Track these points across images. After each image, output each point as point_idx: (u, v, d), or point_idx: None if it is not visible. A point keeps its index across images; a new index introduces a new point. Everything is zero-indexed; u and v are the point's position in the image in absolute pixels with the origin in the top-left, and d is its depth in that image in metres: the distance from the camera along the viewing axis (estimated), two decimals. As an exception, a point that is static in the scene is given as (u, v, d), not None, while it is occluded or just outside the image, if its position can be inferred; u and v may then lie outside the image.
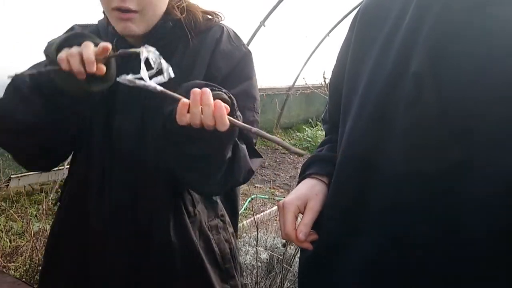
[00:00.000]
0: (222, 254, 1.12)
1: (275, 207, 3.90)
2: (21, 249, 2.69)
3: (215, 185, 0.95)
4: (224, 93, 0.82)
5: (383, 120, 0.74)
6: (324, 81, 3.09)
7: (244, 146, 0.96)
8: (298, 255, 2.56)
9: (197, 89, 0.75)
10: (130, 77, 0.74)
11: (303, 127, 7.82)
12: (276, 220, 3.73)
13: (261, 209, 4.04)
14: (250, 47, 4.85)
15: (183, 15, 1.02)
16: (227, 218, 1.18)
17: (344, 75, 0.87)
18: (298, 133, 7.59)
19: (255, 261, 2.43)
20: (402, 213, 0.72)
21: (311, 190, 0.88)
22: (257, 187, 4.91)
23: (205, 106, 0.74)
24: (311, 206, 0.86)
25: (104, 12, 1.03)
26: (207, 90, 0.75)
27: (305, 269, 0.92)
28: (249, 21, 5.31)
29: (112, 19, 0.97)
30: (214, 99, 0.75)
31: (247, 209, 4.11)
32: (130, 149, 0.99)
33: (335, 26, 6.72)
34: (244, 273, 2.51)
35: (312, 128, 7.77)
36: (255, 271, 2.48)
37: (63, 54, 0.82)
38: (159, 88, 0.74)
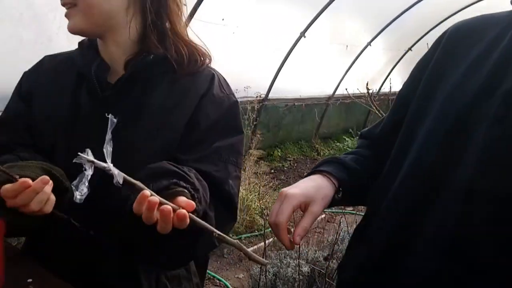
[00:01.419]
0: None
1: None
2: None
3: (167, 261, 0.91)
4: (190, 188, 0.79)
5: (460, 135, 0.74)
6: (368, 92, 3.05)
7: (212, 215, 0.88)
8: (341, 269, 2.53)
9: (153, 198, 0.71)
10: (91, 157, 0.73)
11: (343, 137, 7.72)
12: (317, 232, 3.70)
13: (301, 220, 4.00)
14: (290, 58, 4.85)
15: (170, 49, 0.98)
16: (192, 267, 1.09)
17: (415, 92, 0.87)
18: (337, 143, 7.50)
19: (296, 274, 2.42)
20: (466, 231, 0.70)
21: (318, 191, 0.87)
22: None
23: (161, 220, 0.71)
24: (313, 210, 0.84)
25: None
26: (166, 212, 0.71)
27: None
28: (289, 32, 5.34)
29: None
30: (175, 195, 0.74)
31: (287, 220, 4.09)
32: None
33: (376, 36, 6.63)
34: (285, 286, 2.50)
35: (352, 139, 7.65)
36: (296, 284, 2.47)
37: None
38: (120, 174, 0.73)
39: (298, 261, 2.43)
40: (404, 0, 6.09)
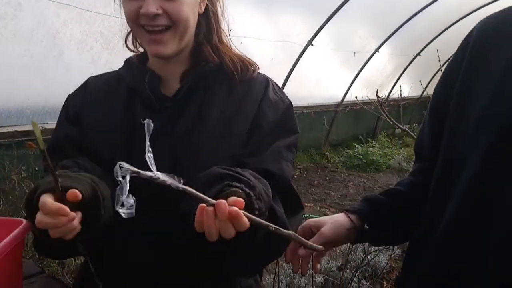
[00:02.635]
0: None
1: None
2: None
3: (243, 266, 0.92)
4: (244, 187, 0.78)
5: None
6: (378, 98, 3.04)
7: (281, 211, 0.89)
8: (355, 279, 2.50)
9: (208, 210, 0.71)
10: (132, 168, 0.71)
11: (353, 143, 7.69)
12: (329, 241, 3.67)
13: (313, 229, 3.97)
14: (298, 66, 4.87)
15: (224, 59, 1.01)
16: (258, 278, 1.12)
17: (451, 97, 0.85)
18: (348, 150, 7.46)
19: (310, 285, 2.40)
20: None
21: (331, 217, 0.95)
22: (307, 206, 4.86)
23: (221, 222, 0.71)
24: (323, 231, 0.93)
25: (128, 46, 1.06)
26: (221, 205, 0.70)
27: None
28: (297, 41, 5.36)
29: (142, 39, 0.96)
30: (228, 197, 0.73)
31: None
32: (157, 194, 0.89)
33: (384, 42, 6.62)
34: (299, 296, 2.48)
35: (362, 145, 7.61)
36: (310, 294, 2.45)
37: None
38: (170, 181, 0.72)
39: (312, 272, 2.40)
40: (411, 5, 6.08)
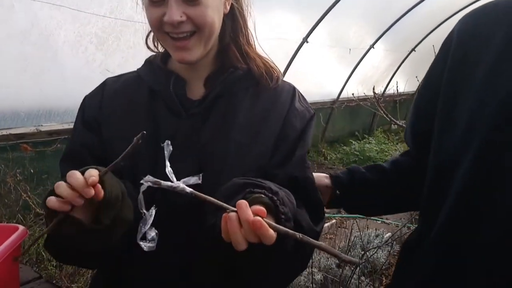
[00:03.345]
0: None
1: (327, 224, 3.84)
2: (83, 269, 2.81)
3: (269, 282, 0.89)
4: (266, 192, 0.76)
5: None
6: (374, 94, 3.04)
7: (307, 218, 0.88)
8: (354, 276, 2.50)
9: (231, 215, 0.69)
10: (153, 179, 0.71)
11: (350, 140, 7.69)
12: (328, 238, 3.67)
13: (311, 226, 3.97)
14: (294, 64, 4.87)
15: (251, 64, 0.99)
16: None
17: (436, 97, 0.85)
18: (344, 147, 7.47)
19: (309, 283, 2.40)
20: None
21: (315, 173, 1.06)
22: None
23: (244, 224, 0.68)
24: None
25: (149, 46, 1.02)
26: (242, 205, 0.68)
27: None
28: (292, 38, 5.35)
29: (167, 45, 0.93)
30: (252, 203, 0.70)
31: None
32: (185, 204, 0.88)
33: (378, 38, 6.62)
34: (299, 295, 2.48)
35: (359, 141, 7.62)
36: (309, 292, 2.45)
37: (51, 198, 0.72)
38: (189, 190, 0.71)
39: (311, 269, 2.41)
40: (405, 1, 6.08)
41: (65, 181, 0.72)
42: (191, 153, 0.92)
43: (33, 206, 3.03)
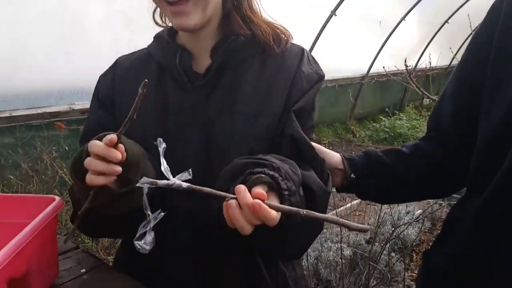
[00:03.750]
0: None
1: (356, 201, 3.81)
2: (118, 241, 2.91)
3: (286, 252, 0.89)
4: (267, 170, 0.75)
5: None
6: (406, 68, 2.93)
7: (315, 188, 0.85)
8: (384, 252, 2.48)
9: (230, 203, 0.69)
10: (149, 179, 0.70)
11: (380, 116, 7.54)
12: (356, 215, 3.65)
13: (340, 203, 3.97)
14: (321, 39, 4.74)
15: (256, 30, 0.95)
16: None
17: (484, 64, 0.81)
18: (374, 124, 7.33)
19: (339, 258, 2.40)
20: None
21: (328, 150, 1.02)
22: (334, 180, 4.81)
23: (244, 209, 0.67)
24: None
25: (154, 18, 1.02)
26: (241, 190, 0.68)
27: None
28: (319, 12, 5.21)
29: (165, 12, 0.92)
30: (253, 186, 0.70)
31: (326, 203, 4.05)
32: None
33: (410, 10, 6.37)
34: (327, 270, 2.49)
35: (389, 118, 7.46)
36: (338, 268, 2.45)
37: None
38: (185, 184, 0.70)
39: (340, 245, 2.40)
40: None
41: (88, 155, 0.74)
42: (198, 127, 0.91)
43: (69, 182, 3.14)
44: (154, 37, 1.04)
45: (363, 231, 0.64)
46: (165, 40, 0.99)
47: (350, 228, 0.64)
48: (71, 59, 3.29)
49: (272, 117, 0.92)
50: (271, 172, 0.74)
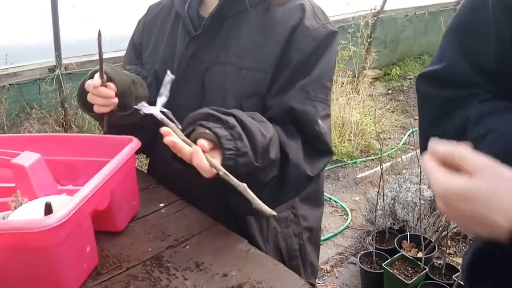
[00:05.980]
0: (288, 250, 1.05)
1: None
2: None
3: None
4: (213, 128, 0.76)
5: None
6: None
7: (273, 150, 0.83)
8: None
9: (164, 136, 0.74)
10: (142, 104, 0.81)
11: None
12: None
13: (423, 142, 3.75)
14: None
15: None
16: (299, 211, 1.08)
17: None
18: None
19: (417, 199, 2.32)
20: None
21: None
22: (417, 119, 4.56)
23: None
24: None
25: None
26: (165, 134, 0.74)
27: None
28: None
29: None
30: (197, 138, 0.75)
31: (406, 143, 3.88)
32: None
33: None
34: (405, 210, 2.43)
35: None
36: (417, 208, 2.38)
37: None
38: (160, 116, 0.77)
39: (419, 186, 2.31)
40: None
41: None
42: (194, 75, 0.95)
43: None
44: None
45: (266, 214, 0.70)
46: None
47: (252, 204, 0.70)
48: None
49: (263, 73, 0.90)
50: (217, 130, 0.75)
